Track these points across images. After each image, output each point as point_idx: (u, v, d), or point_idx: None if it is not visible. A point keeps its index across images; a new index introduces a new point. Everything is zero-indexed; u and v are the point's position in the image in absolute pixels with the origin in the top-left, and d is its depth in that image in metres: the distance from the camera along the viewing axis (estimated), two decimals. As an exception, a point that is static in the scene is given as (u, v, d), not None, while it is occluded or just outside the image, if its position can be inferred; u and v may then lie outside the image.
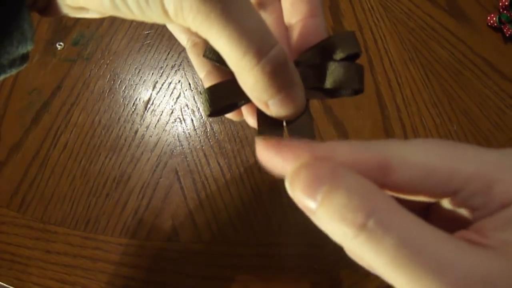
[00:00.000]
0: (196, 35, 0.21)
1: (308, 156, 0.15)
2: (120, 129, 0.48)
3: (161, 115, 0.48)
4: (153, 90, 0.50)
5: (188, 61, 0.51)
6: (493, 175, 0.14)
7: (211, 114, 0.21)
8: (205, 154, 0.47)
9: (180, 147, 0.47)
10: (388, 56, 0.51)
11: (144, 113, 0.49)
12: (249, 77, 0.17)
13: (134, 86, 0.50)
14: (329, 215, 0.14)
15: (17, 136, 0.48)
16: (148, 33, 0.52)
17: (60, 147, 0.47)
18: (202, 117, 0.48)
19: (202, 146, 0.47)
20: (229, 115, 0.23)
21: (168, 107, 0.49)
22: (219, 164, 0.46)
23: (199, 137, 0.47)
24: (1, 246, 0.43)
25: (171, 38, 0.52)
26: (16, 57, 0.20)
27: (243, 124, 0.48)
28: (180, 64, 0.51)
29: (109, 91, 0.50)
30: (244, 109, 0.22)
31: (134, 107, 0.49)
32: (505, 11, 0.51)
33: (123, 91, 0.50)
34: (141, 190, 0.45)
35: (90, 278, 0.42)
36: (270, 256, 0.43)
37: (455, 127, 0.48)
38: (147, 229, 0.44)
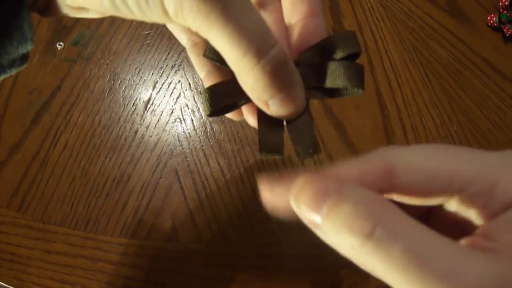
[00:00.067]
0: (196, 35, 0.21)
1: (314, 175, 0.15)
2: (120, 129, 0.48)
3: (161, 115, 0.48)
4: (153, 90, 0.50)
5: (188, 61, 0.51)
6: (494, 176, 0.15)
7: (211, 114, 0.21)
8: (205, 154, 0.47)
9: (180, 147, 0.47)
10: (388, 56, 0.51)
11: (144, 113, 0.49)
12: (249, 76, 0.17)
13: (134, 86, 0.50)
14: (335, 227, 0.14)
15: (17, 136, 0.48)
16: (148, 33, 0.52)
17: (60, 147, 0.47)
18: (202, 117, 0.48)
19: (202, 146, 0.47)
20: (229, 115, 0.23)
21: (168, 107, 0.49)
22: (219, 164, 0.46)
23: (199, 137, 0.47)
24: (1, 246, 0.43)
25: (171, 38, 0.52)
26: (16, 57, 0.20)
27: (243, 124, 0.48)
28: (180, 64, 0.51)
29: (109, 91, 0.50)
30: (245, 109, 0.22)
31: (134, 107, 0.49)
32: (505, 11, 0.51)
33: (123, 91, 0.50)
34: (141, 190, 0.45)
35: (90, 278, 0.42)
36: (270, 256, 0.43)
37: (455, 127, 0.48)
38: (147, 229, 0.44)
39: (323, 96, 0.20)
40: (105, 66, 0.51)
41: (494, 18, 0.51)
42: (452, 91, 0.50)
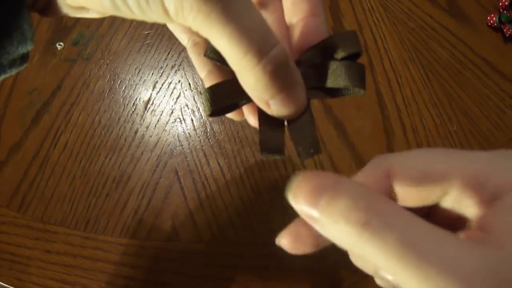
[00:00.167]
0: (196, 34, 0.21)
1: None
2: (120, 129, 0.48)
3: (161, 115, 0.48)
4: (153, 90, 0.50)
5: (188, 61, 0.51)
6: (482, 171, 0.16)
7: (212, 114, 0.20)
8: (205, 154, 0.47)
9: (180, 147, 0.47)
10: (388, 56, 0.51)
11: (144, 113, 0.49)
12: (250, 76, 0.17)
13: (134, 86, 0.50)
14: (333, 218, 0.15)
15: (17, 136, 0.48)
16: (148, 33, 0.52)
17: (60, 147, 0.47)
18: (202, 117, 0.48)
19: (202, 146, 0.47)
20: (230, 115, 0.23)
21: (168, 107, 0.49)
22: (219, 164, 0.46)
23: (199, 137, 0.47)
24: (1, 246, 0.43)
25: (171, 38, 0.52)
26: (16, 57, 0.20)
27: (243, 124, 0.48)
28: (180, 64, 0.51)
29: (109, 91, 0.50)
30: (245, 109, 0.22)
31: (134, 107, 0.49)
32: (505, 11, 0.51)
33: (123, 91, 0.50)
34: (141, 190, 0.45)
35: (90, 278, 0.42)
36: (270, 256, 0.43)
37: (455, 127, 0.48)
38: (147, 229, 0.44)
39: (324, 96, 0.20)
40: (105, 66, 0.51)
41: (494, 18, 0.51)
42: (452, 91, 0.50)
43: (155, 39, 0.52)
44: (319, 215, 0.15)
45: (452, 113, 0.49)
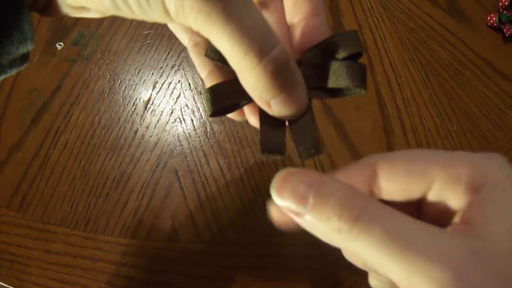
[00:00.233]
0: (197, 34, 0.21)
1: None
2: (120, 129, 0.48)
3: (161, 115, 0.48)
4: (153, 90, 0.50)
5: (188, 61, 0.51)
6: (459, 167, 0.17)
7: (212, 114, 0.20)
8: (205, 154, 0.46)
9: (180, 147, 0.47)
10: (388, 56, 0.51)
11: (144, 113, 0.49)
12: (251, 76, 0.17)
13: (134, 86, 0.50)
14: (324, 215, 0.15)
15: (17, 136, 0.48)
16: (148, 33, 0.52)
17: (60, 147, 0.47)
18: (202, 117, 0.48)
19: (202, 146, 0.47)
20: (231, 115, 0.23)
21: (168, 107, 0.49)
22: (219, 164, 0.46)
23: (199, 137, 0.47)
24: (1, 246, 0.43)
25: (171, 38, 0.52)
26: (16, 57, 0.20)
27: (243, 124, 0.48)
28: (180, 64, 0.51)
29: (109, 91, 0.50)
30: (246, 109, 0.22)
31: (134, 107, 0.49)
32: (505, 11, 0.51)
33: (123, 91, 0.50)
34: (141, 190, 0.45)
35: (90, 278, 0.42)
36: (270, 256, 0.43)
37: (455, 127, 0.48)
38: (147, 229, 0.44)
39: (325, 96, 0.20)
40: (105, 66, 0.51)
41: (494, 18, 0.51)
42: (452, 91, 0.50)
43: (155, 39, 0.52)
44: (309, 212, 0.15)
45: (452, 113, 0.49)
